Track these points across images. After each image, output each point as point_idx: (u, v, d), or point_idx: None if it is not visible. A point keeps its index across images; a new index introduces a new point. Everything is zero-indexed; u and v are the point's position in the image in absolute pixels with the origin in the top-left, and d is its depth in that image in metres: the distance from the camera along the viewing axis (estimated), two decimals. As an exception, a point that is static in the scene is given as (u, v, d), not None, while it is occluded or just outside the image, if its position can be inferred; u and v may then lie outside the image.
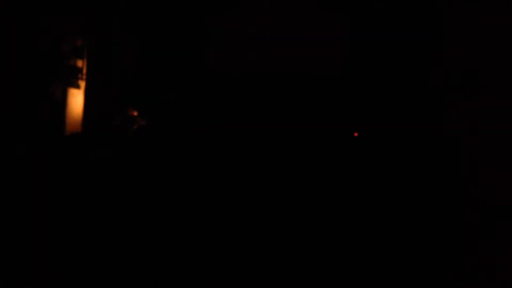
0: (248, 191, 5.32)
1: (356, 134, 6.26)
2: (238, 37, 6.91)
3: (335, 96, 6.65)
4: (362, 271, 4.18)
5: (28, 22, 5.94)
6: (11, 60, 5.86)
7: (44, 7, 6.07)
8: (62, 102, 6.45)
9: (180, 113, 6.71)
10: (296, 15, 6.83)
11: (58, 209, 4.74)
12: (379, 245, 4.56)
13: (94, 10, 6.63)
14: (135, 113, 6.34)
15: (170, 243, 4.43)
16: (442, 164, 5.46)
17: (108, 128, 6.39)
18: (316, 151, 6.19)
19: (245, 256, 4.32)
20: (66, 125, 6.40)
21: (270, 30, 6.82)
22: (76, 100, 6.58)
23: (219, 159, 5.96)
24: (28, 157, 5.45)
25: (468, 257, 4.40)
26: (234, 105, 6.79)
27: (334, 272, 4.16)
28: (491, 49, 5.24)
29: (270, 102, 6.72)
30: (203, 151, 6.16)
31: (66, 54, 6.44)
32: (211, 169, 5.84)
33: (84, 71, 6.64)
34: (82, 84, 6.65)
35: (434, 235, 4.68)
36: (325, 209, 5.15)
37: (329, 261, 4.35)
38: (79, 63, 6.62)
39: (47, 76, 6.24)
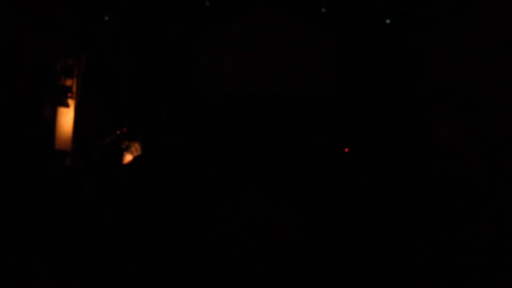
0: (241, 209, 5.33)
1: (347, 150, 6.34)
2: (229, 56, 7.00)
3: (326, 113, 6.76)
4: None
5: (18, 42, 5.93)
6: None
7: (34, 27, 6.08)
8: (51, 121, 6.40)
9: (172, 132, 6.71)
10: (288, 36, 6.97)
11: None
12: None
13: (85, 29, 6.66)
14: (125, 130, 6.29)
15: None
16: (431, 178, 5.58)
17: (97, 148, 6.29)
18: (308, 166, 6.24)
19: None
20: (56, 144, 6.32)
21: (261, 51, 6.93)
22: (66, 118, 6.53)
23: (212, 178, 5.95)
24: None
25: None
26: (226, 124, 6.83)
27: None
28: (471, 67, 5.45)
29: (261, 120, 6.78)
30: (195, 171, 6.16)
31: (56, 73, 6.42)
32: (204, 189, 5.83)
33: (74, 89, 6.61)
34: (72, 102, 6.61)
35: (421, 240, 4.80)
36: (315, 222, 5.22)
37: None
38: (69, 82, 6.60)
39: (37, 95, 6.19)
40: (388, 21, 6.59)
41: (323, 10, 6.74)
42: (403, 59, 6.50)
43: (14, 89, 5.88)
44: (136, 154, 6.26)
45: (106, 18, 6.68)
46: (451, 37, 5.68)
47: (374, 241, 4.94)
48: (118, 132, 6.26)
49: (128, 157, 6.25)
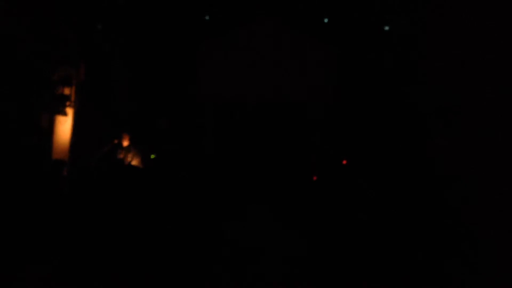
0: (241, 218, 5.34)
1: (344, 162, 6.31)
2: (229, 67, 6.99)
3: (325, 123, 6.77)
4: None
5: (16, 52, 5.95)
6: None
7: (33, 36, 6.09)
8: (49, 130, 6.40)
9: (170, 141, 6.71)
10: (287, 46, 6.96)
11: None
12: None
13: (84, 39, 6.66)
14: (125, 142, 6.28)
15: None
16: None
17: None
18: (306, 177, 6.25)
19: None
20: (53, 153, 6.31)
21: (260, 61, 6.92)
22: (64, 127, 6.53)
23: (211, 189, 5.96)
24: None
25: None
26: (223, 134, 6.82)
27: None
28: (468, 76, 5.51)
29: (260, 130, 6.77)
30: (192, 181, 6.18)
31: (55, 82, 6.43)
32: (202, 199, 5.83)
33: (73, 98, 6.61)
34: (70, 111, 6.61)
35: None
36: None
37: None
38: (67, 91, 6.59)
39: (35, 104, 6.20)
40: (387, 27, 6.57)
41: (323, 20, 6.72)
42: (401, 68, 6.50)
43: (12, 98, 5.89)
44: (133, 163, 6.27)
45: (99, 26, 6.65)
46: (445, 46, 5.69)
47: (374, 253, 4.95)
48: (116, 141, 6.25)
49: (125, 167, 6.25)
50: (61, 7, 6.35)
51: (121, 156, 6.25)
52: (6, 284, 3.77)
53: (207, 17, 6.71)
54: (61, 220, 5.03)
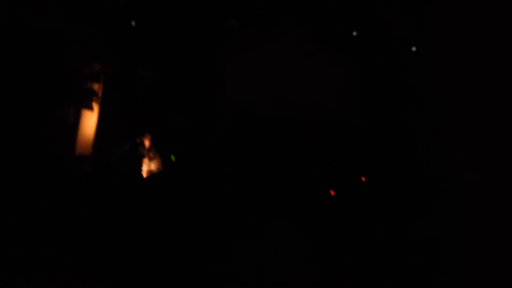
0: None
1: (363, 179, 6.26)
2: (253, 76, 6.99)
3: (344, 138, 6.75)
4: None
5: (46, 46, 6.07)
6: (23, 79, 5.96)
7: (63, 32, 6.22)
8: (75, 123, 6.51)
9: (193, 144, 6.76)
10: (311, 60, 6.94)
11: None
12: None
13: (113, 38, 6.75)
14: (147, 141, 6.36)
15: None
16: None
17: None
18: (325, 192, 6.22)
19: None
20: (77, 147, 6.42)
21: (285, 73, 6.92)
22: (89, 122, 6.64)
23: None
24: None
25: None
26: (244, 142, 6.83)
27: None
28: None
29: (282, 143, 6.78)
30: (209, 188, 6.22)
31: (83, 77, 6.54)
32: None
33: (100, 94, 6.71)
34: (96, 106, 6.71)
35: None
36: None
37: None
38: (95, 86, 6.70)
39: (62, 98, 6.32)
40: (414, 48, 6.50)
41: (348, 35, 6.68)
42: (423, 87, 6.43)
43: (39, 91, 6.03)
44: (153, 163, 6.35)
45: (133, 23, 6.72)
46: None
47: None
48: (138, 140, 6.33)
49: (146, 167, 6.34)
50: (93, 4, 6.45)
51: (143, 154, 6.34)
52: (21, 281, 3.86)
53: (235, 23, 6.73)
54: (76, 217, 5.12)
